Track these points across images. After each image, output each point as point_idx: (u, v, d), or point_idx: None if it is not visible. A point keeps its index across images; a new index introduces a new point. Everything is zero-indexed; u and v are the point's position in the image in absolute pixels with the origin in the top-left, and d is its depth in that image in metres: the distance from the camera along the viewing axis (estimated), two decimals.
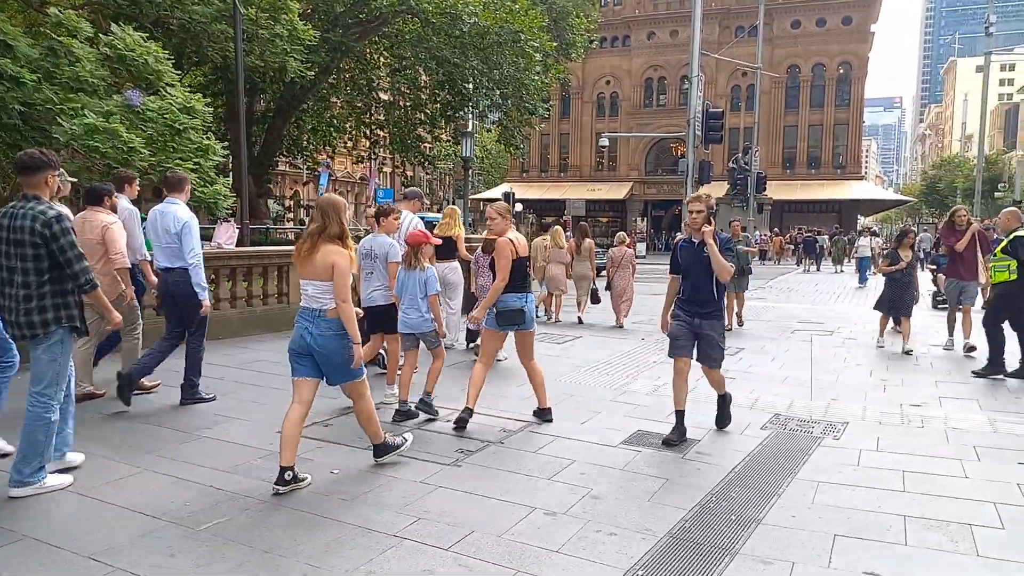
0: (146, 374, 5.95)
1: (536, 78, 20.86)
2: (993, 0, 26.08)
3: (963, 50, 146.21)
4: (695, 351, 5.27)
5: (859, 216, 55.12)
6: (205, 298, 5.92)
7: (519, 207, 38.96)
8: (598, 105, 54.98)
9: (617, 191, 51.53)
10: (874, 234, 32.53)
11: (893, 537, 3.65)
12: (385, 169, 40.31)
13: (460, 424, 5.37)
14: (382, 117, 25.19)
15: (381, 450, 4.59)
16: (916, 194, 74.32)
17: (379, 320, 6.07)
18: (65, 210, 4.27)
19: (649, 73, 52.89)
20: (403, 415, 5.66)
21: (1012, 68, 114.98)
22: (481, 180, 68.06)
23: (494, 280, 5.50)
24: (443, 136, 28.23)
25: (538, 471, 4.54)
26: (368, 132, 25.85)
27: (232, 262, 9.31)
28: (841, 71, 48.74)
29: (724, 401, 5.61)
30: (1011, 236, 7.51)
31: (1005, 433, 5.52)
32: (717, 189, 37.81)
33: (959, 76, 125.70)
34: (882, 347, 9.54)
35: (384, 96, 25.50)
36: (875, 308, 9.82)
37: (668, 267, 5.49)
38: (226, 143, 13.51)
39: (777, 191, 41.40)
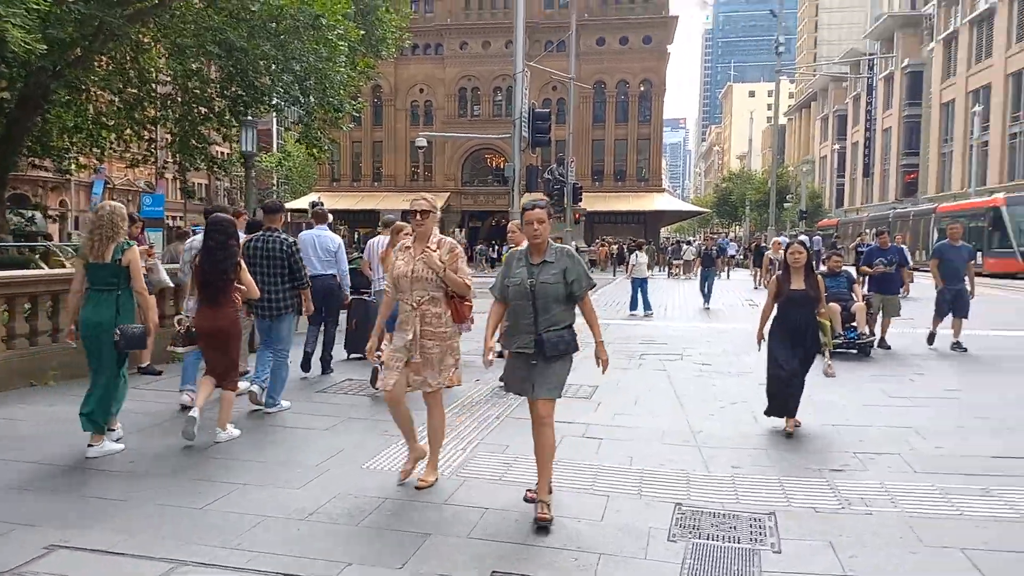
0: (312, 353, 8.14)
1: (342, 70, 18.29)
2: (781, 25, 27.81)
3: (736, 76, 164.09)
4: None
5: (660, 227, 58.19)
6: (348, 292, 8.36)
7: (329, 218, 35.74)
8: (412, 113, 53.09)
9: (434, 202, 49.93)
10: (688, 243, 33.69)
11: None
12: (167, 175, 34.88)
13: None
14: (157, 113, 21.02)
15: None
16: (709, 205, 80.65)
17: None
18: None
19: (463, 83, 52.06)
20: None
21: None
22: (286, 190, 63.05)
23: None
24: (237, 138, 24.48)
25: None
26: (142, 131, 21.50)
27: None
28: (643, 88, 51.05)
29: None
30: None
31: (972, 517, 4.16)
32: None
33: (735, 99, 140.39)
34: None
35: (162, 89, 21.36)
36: None
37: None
38: None
39: (588, 203, 42.11)
